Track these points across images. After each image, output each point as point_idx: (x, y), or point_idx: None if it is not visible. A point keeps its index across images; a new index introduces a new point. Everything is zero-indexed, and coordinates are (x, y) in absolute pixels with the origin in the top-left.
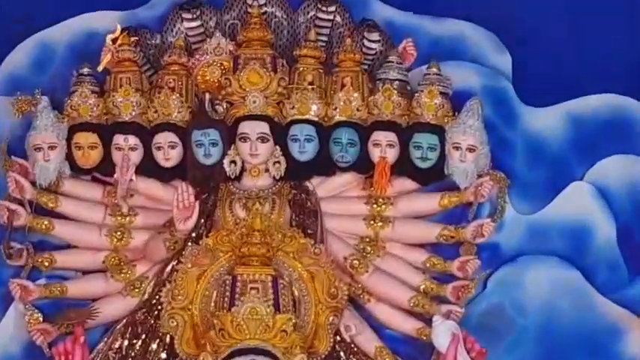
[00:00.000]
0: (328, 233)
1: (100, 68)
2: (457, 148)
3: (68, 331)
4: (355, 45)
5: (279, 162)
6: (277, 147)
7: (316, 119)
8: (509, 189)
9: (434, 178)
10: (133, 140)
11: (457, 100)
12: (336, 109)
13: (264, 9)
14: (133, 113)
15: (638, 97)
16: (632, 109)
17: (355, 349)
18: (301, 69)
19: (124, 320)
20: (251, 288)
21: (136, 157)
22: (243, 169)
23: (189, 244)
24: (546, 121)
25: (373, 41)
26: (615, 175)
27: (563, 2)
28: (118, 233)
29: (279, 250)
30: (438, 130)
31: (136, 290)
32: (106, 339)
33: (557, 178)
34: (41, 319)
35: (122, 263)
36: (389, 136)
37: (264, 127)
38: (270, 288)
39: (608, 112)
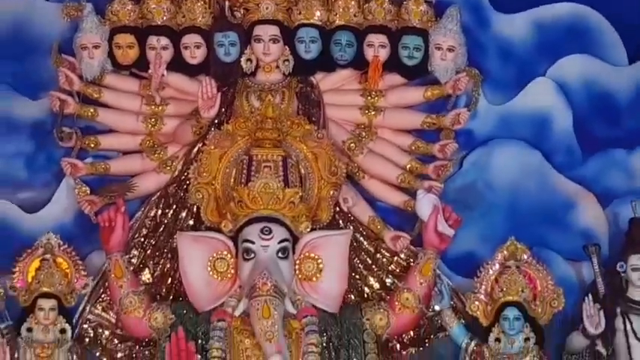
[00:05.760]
0: (329, 120)
1: None
2: (439, 49)
3: (111, 202)
4: None
5: (288, 60)
6: (286, 47)
7: (319, 23)
8: (482, 83)
9: (419, 73)
10: (164, 41)
11: (439, 8)
12: (336, 15)
13: None
14: (164, 18)
15: (596, 8)
16: (590, 17)
17: (352, 217)
18: None
19: (158, 193)
20: (264, 166)
21: (167, 55)
22: (257, 66)
23: (213, 129)
24: (515, 26)
25: None
26: (573, 72)
27: None
28: (152, 120)
29: (288, 135)
30: (423, 33)
31: (168, 168)
32: (142, 209)
33: (523, 74)
34: (88, 191)
35: (156, 145)
36: (381, 38)
37: (275, 30)
38: (281, 166)
39: (569, 19)
